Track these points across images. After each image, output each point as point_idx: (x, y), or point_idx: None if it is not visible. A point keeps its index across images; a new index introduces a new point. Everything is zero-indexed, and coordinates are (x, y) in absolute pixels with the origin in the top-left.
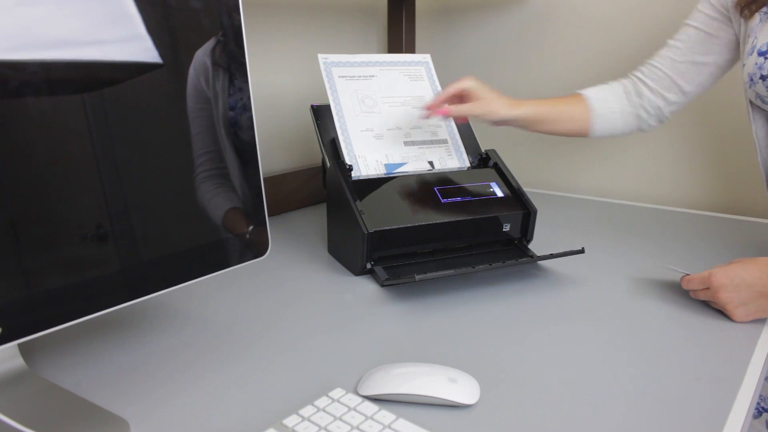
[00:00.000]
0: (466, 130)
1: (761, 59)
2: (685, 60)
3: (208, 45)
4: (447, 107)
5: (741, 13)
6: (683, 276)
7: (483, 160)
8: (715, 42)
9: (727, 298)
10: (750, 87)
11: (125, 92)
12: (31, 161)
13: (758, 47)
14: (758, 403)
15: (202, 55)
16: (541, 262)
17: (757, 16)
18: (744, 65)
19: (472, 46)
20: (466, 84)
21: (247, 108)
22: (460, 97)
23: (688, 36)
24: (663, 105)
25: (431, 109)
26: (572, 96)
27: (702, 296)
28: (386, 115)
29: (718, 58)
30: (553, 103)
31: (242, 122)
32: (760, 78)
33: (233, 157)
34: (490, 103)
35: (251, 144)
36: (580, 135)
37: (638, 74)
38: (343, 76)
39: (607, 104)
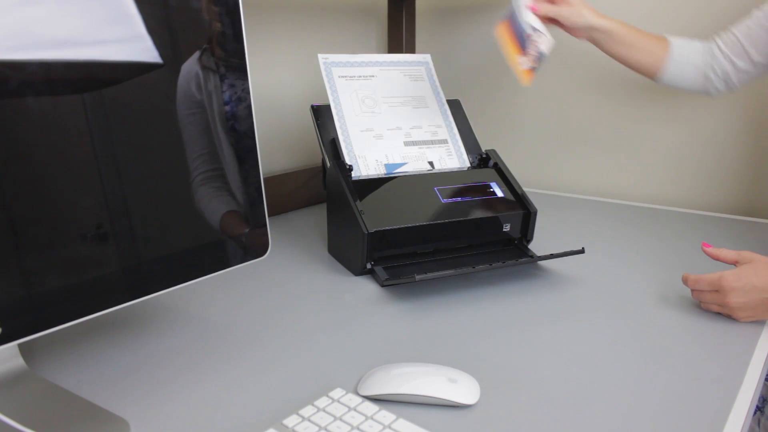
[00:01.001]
0: (466, 130)
1: None
2: (760, 28)
3: (199, 52)
4: (537, 4)
5: None
6: (686, 274)
7: (483, 160)
8: None
9: (737, 303)
10: None
11: (125, 92)
12: (31, 161)
13: None
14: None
15: (192, 60)
16: (541, 262)
17: None
18: None
19: (472, 46)
20: None
21: (247, 108)
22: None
23: None
24: (731, 70)
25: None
26: (657, 35)
27: (708, 298)
28: (386, 115)
29: None
30: (636, 30)
31: (242, 122)
32: None
33: (233, 158)
34: (580, 8)
35: (251, 144)
36: (649, 73)
37: (715, 37)
38: (343, 76)
39: (687, 54)
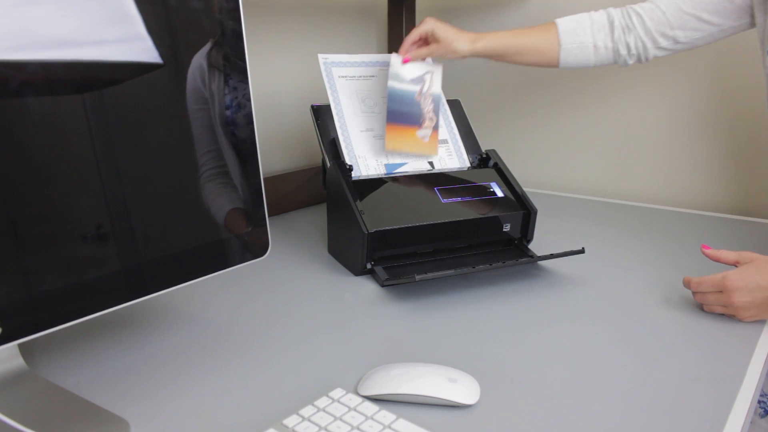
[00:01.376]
0: (466, 130)
1: None
2: (692, 12)
3: (207, 45)
4: (407, 54)
5: None
6: (687, 277)
7: (483, 160)
8: (728, 6)
9: (741, 302)
10: None
11: (125, 92)
12: (32, 161)
13: None
14: (765, 402)
15: (200, 56)
16: (541, 262)
17: None
18: (765, 53)
19: None
20: (427, 27)
21: (247, 107)
22: (425, 40)
23: None
24: (651, 47)
25: (402, 55)
26: (544, 26)
27: (711, 299)
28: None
29: (725, 22)
30: (519, 34)
31: (242, 122)
32: None
33: (233, 157)
34: (450, 43)
35: (251, 144)
36: (549, 66)
37: (637, 9)
38: (343, 76)
39: (578, 38)
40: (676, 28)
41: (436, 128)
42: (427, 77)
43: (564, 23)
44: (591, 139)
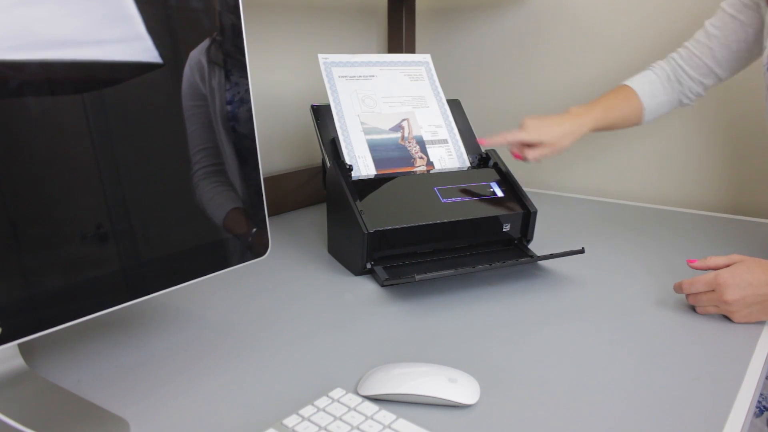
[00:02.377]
0: (466, 130)
1: None
2: (722, 49)
3: (205, 43)
4: (518, 152)
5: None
6: (678, 282)
7: (483, 160)
8: (749, 30)
9: (733, 298)
10: (767, 72)
11: (125, 92)
12: (31, 161)
13: None
14: (759, 402)
15: (198, 53)
16: (541, 262)
17: None
18: (765, 48)
19: (472, 46)
20: (531, 137)
21: (246, 108)
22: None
23: (723, 23)
24: (701, 89)
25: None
26: (622, 92)
27: (704, 299)
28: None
29: (752, 46)
30: (608, 109)
31: (242, 122)
32: None
33: (233, 157)
34: (554, 145)
35: (251, 143)
36: (634, 126)
37: (677, 58)
38: (343, 76)
39: (657, 99)
40: (715, 67)
41: (430, 164)
42: (405, 124)
43: (640, 87)
44: (591, 138)
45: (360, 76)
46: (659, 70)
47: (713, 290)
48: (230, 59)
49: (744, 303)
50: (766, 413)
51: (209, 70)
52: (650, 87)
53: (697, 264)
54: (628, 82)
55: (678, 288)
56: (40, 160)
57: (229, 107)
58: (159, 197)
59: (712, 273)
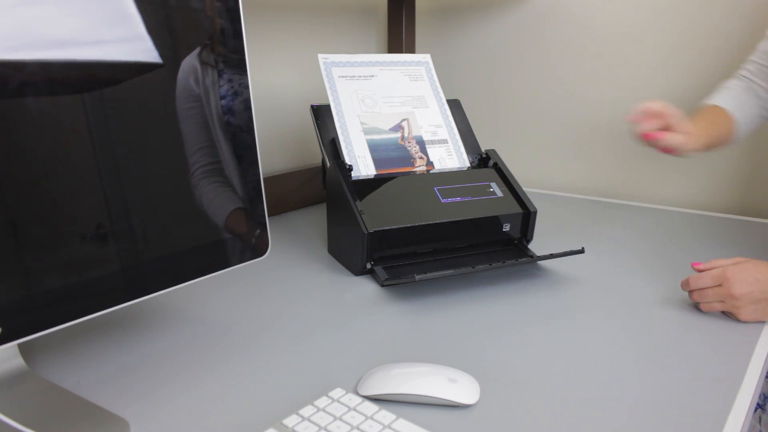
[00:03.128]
0: (466, 130)
1: None
2: None
3: (204, 44)
4: (660, 134)
5: None
6: (686, 278)
7: (483, 160)
8: None
9: (741, 293)
10: None
11: (125, 92)
12: (31, 161)
13: None
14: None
15: (196, 54)
16: (541, 262)
17: None
18: None
19: (472, 46)
20: (667, 109)
21: (244, 102)
22: (659, 115)
23: None
24: None
25: (642, 126)
26: (715, 112)
27: (711, 295)
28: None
29: None
30: (711, 128)
31: (239, 116)
32: None
33: (233, 157)
34: (692, 140)
35: (251, 143)
36: (728, 145)
37: (747, 75)
38: (343, 76)
39: (748, 113)
40: None
41: (430, 164)
42: (405, 124)
43: (729, 104)
44: (591, 139)
45: (360, 76)
46: (739, 88)
47: (720, 285)
48: (229, 56)
49: (751, 298)
50: (758, 410)
51: (203, 69)
52: (738, 102)
53: (701, 267)
54: (712, 101)
55: (685, 284)
56: (39, 160)
57: (224, 101)
58: (159, 197)
59: (720, 269)
